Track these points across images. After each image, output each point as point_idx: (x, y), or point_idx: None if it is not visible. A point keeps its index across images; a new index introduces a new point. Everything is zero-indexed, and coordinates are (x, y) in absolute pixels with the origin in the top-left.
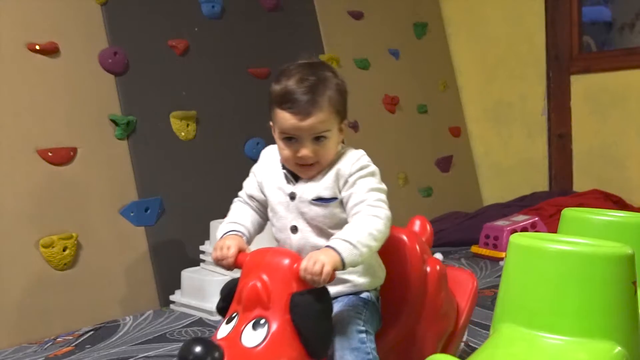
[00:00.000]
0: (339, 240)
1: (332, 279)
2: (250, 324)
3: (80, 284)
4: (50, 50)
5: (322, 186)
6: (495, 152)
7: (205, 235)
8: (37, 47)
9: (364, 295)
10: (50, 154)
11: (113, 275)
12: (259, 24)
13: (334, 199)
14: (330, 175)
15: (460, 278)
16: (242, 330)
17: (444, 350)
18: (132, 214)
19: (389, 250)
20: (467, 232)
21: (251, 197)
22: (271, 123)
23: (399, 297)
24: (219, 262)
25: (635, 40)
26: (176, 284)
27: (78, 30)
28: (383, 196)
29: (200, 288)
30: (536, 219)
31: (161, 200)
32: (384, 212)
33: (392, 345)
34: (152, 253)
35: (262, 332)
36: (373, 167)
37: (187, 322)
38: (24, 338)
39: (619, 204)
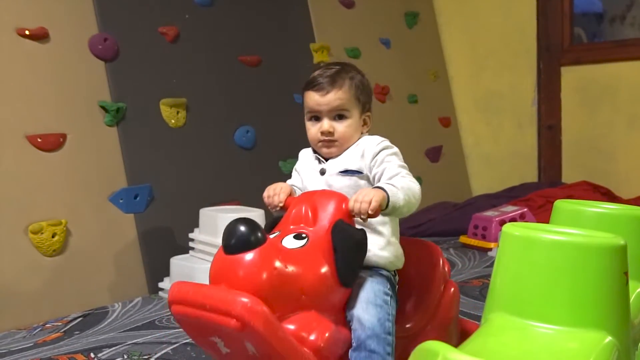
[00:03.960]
0: (384, 183)
1: (377, 213)
2: (292, 235)
3: (69, 270)
4: (40, 36)
5: (349, 161)
6: (485, 143)
7: (194, 223)
8: (27, 32)
9: (384, 272)
10: (39, 140)
11: (102, 262)
12: (250, 12)
13: (359, 172)
14: (356, 153)
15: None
16: (284, 237)
17: None
18: (121, 201)
19: (422, 254)
20: (456, 222)
21: (293, 185)
22: (306, 119)
23: (417, 297)
24: (269, 198)
25: (625, 32)
26: (165, 272)
27: (68, 16)
28: (410, 173)
29: (189, 275)
30: (525, 209)
31: (151, 187)
32: (417, 184)
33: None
34: (141, 240)
35: (301, 242)
36: (396, 148)
37: None
38: (13, 324)
39: (608, 195)
